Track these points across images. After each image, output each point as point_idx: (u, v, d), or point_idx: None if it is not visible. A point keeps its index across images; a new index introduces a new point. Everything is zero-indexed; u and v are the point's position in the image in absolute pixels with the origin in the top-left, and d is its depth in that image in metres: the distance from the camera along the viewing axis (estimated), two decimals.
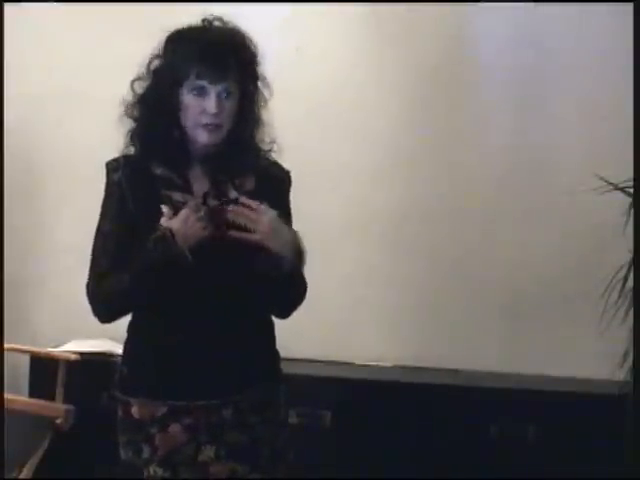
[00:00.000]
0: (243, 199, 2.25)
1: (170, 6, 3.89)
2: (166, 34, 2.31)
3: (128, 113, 2.34)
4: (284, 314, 2.42)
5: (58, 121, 4.21)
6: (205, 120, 2.26)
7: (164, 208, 2.26)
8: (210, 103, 2.25)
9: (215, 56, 2.25)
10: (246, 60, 2.31)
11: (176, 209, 2.28)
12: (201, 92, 2.26)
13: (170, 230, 2.22)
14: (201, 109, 2.26)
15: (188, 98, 2.27)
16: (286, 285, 2.32)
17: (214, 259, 2.26)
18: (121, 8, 4.06)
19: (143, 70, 2.33)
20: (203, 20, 2.32)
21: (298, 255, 2.30)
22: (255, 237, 2.23)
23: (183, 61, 2.25)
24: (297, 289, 2.38)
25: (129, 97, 2.34)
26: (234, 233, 2.23)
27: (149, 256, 2.24)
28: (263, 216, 2.24)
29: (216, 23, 2.32)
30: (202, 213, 2.24)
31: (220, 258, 2.27)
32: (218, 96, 2.26)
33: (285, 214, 2.40)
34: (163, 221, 2.25)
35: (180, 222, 2.23)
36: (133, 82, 2.33)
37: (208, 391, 2.31)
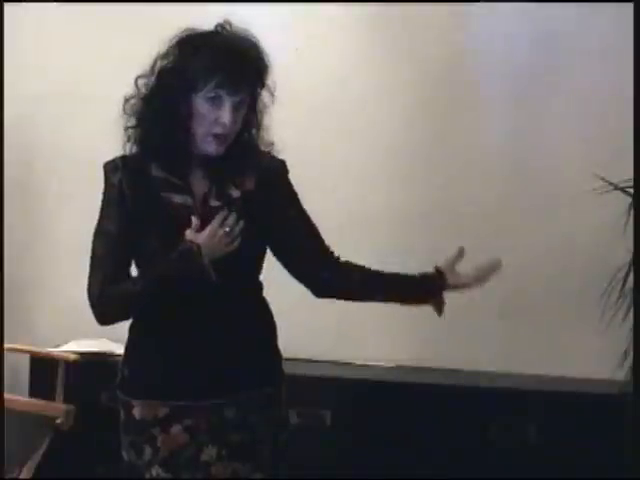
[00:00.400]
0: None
1: (170, 6, 3.90)
2: (178, 36, 2.29)
3: (128, 109, 2.32)
4: (324, 296, 2.48)
5: (58, 121, 4.21)
6: (217, 130, 2.25)
7: (194, 219, 2.24)
8: (225, 114, 2.24)
9: (237, 67, 2.23)
10: (262, 73, 2.30)
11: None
12: (216, 101, 2.24)
13: (197, 245, 2.22)
14: (214, 118, 2.24)
15: (202, 105, 2.24)
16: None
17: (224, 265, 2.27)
18: (121, 8, 4.06)
19: (148, 68, 2.30)
20: (217, 26, 2.30)
21: None
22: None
23: (202, 68, 2.22)
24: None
25: (131, 93, 2.32)
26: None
27: (171, 267, 2.24)
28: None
29: (228, 28, 2.30)
30: (228, 229, 2.23)
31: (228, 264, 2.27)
32: (234, 107, 2.25)
33: (295, 201, 2.43)
34: (188, 233, 2.23)
35: (207, 238, 2.22)
36: (137, 79, 2.32)
37: (210, 391, 2.31)
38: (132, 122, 2.32)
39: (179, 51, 2.28)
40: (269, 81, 2.34)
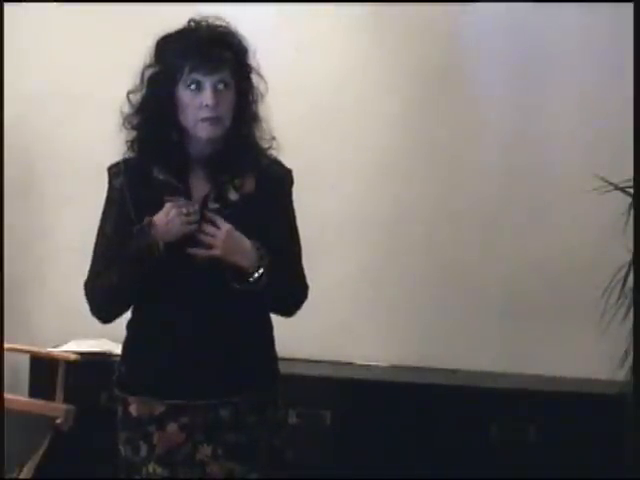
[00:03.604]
0: (208, 215, 2.26)
1: (170, 6, 3.89)
2: (154, 41, 2.32)
3: (126, 124, 2.34)
4: (287, 314, 2.43)
5: (58, 121, 4.20)
6: (204, 114, 2.26)
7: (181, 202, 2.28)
8: (207, 95, 2.25)
9: (207, 48, 2.25)
10: (239, 52, 2.31)
11: None
12: (197, 86, 2.26)
13: (151, 222, 2.25)
14: (199, 104, 2.26)
15: (185, 95, 2.27)
16: (273, 292, 2.32)
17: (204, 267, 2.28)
18: (121, 8, 4.06)
19: (137, 81, 2.33)
20: (189, 21, 2.32)
21: (260, 261, 2.29)
22: (214, 252, 2.25)
23: (176, 59, 2.25)
24: (290, 292, 2.40)
25: (126, 108, 2.34)
26: (193, 250, 2.25)
27: (130, 246, 2.27)
28: (218, 230, 2.25)
29: (203, 23, 2.31)
30: (184, 210, 2.25)
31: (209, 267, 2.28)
32: (214, 87, 2.25)
33: (286, 214, 2.40)
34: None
35: (161, 215, 2.26)
36: (129, 94, 2.34)
37: (206, 391, 2.32)
38: (132, 135, 2.34)
39: (158, 54, 2.31)
40: (254, 64, 2.34)
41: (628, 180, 3.33)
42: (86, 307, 2.38)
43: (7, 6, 3.84)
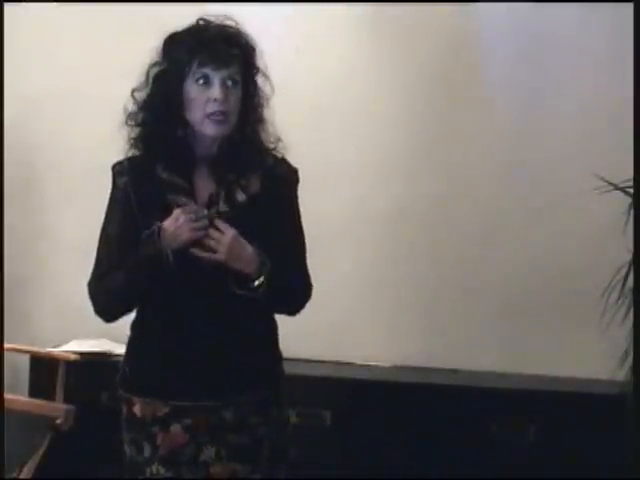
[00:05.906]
0: (214, 221, 2.26)
1: (170, 6, 3.90)
2: (162, 39, 2.32)
3: (130, 121, 2.34)
4: (290, 313, 2.44)
5: (58, 121, 4.21)
6: (211, 109, 2.25)
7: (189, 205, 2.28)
8: (215, 89, 2.25)
9: (217, 43, 2.25)
10: (247, 52, 2.31)
11: None
12: (206, 81, 2.26)
13: (159, 228, 2.24)
14: (206, 98, 2.25)
15: (193, 89, 2.26)
16: (274, 296, 2.31)
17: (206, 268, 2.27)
18: (121, 8, 4.06)
19: (142, 79, 2.32)
20: (198, 20, 2.32)
21: (261, 269, 2.27)
22: (218, 257, 2.24)
23: (185, 54, 2.25)
24: (294, 292, 2.40)
25: (130, 106, 2.33)
26: (196, 251, 2.24)
27: (139, 253, 2.26)
28: (223, 235, 2.24)
29: (212, 22, 2.31)
30: (193, 215, 2.24)
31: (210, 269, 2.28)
32: (223, 82, 2.26)
33: (291, 214, 2.40)
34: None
35: (170, 221, 2.25)
36: (133, 91, 2.34)
37: (210, 392, 2.31)
38: (135, 132, 2.34)
39: (165, 52, 2.31)
40: (261, 65, 2.34)
41: (628, 180, 3.33)
42: (86, 307, 2.37)
43: (7, 6, 3.84)
